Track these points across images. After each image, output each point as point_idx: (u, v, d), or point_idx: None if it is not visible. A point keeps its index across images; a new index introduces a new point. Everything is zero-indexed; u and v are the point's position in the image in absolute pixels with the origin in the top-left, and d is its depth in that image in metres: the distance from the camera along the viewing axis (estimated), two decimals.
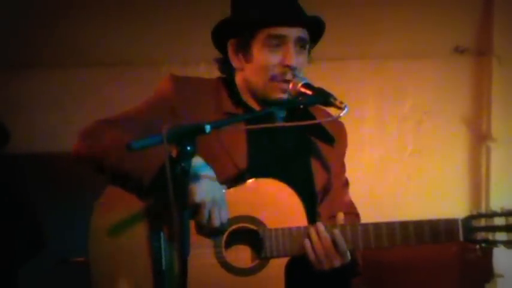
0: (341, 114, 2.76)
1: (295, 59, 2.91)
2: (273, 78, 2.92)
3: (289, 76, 2.90)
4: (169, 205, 2.53)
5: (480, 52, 4.61)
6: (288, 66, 2.90)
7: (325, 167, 3.04)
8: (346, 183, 3.15)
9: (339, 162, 3.13)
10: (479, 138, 4.62)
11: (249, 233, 2.85)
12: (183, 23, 4.54)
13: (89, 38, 4.55)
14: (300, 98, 2.87)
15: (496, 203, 4.40)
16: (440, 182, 4.54)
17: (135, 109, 2.96)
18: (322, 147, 3.06)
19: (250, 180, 2.87)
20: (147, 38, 4.56)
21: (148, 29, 4.56)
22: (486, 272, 4.25)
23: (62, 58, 4.55)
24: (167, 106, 2.90)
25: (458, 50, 4.60)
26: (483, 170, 4.60)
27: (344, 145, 3.16)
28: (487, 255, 4.24)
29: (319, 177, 3.01)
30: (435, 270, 4.12)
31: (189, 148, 2.42)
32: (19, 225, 3.85)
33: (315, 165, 3.02)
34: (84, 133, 2.89)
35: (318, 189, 3.01)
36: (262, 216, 2.84)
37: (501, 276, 4.41)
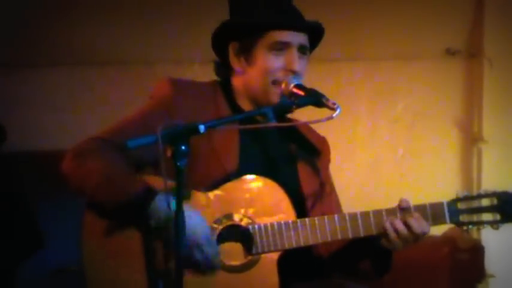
0: (333, 115, 2.76)
1: (299, 64, 2.93)
2: (274, 82, 2.93)
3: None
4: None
5: (471, 54, 4.63)
6: (291, 71, 2.92)
7: (314, 174, 3.06)
8: (335, 195, 3.16)
9: (326, 174, 3.14)
10: (471, 139, 4.64)
11: (239, 230, 2.86)
12: (177, 23, 4.55)
13: (83, 37, 4.56)
14: (292, 99, 2.89)
15: None
16: (432, 183, 4.55)
17: (131, 120, 2.91)
18: (308, 158, 3.08)
19: (235, 179, 2.89)
20: (142, 37, 4.57)
21: (143, 28, 4.57)
22: (478, 272, 4.27)
23: (56, 57, 4.56)
24: (164, 112, 2.88)
25: (450, 52, 4.62)
26: (474, 171, 4.62)
27: (327, 159, 3.17)
28: (479, 255, 4.27)
29: (306, 183, 3.03)
30: (426, 270, 4.13)
31: (183, 148, 2.44)
32: (16, 225, 3.86)
33: (302, 172, 3.04)
34: (74, 152, 2.84)
35: (308, 194, 3.02)
36: (250, 212, 2.86)
37: (493, 276, 4.44)
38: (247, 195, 2.88)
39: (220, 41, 3.02)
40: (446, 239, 4.11)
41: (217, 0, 3.10)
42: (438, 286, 4.18)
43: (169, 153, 2.44)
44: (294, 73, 2.92)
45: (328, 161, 3.18)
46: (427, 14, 4.58)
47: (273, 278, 2.84)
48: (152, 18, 4.58)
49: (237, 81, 3.03)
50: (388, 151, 4.64)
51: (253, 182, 2.89)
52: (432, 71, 4.63)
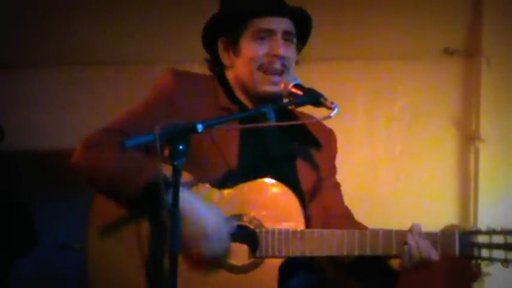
0: (331, 115, 2.79)
1: (283, 48, 2.95)
2: (260, 67, 2.96)
3: (277, 65, 2.95)
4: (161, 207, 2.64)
5: (469, 53, 4.64)
6: (275, 55, 2.95)
7: (312, 169, 3.08)
8: (337, 185, 3.18)
9: (328, 165, 3.15)
10: (468, 138, 4.64)
11: (247, 232, 2.87)
12: (176, 22, 4.56)
13: (83, 37, 4.57)
14: (291, 98, 2.91)
15: (485, 202, 4.46)
16: (429, 182, 4.56)
17: (137, 110, 2.96)
18: (310, 151, 3.10)
19: (251, 180, 2.90)
20: (141, 36, 4.58)
21: (142, 28, 4.58)
22: (474, 270, 4.27)
23: (55, 57, 4.57)
24: (167, 102, 2.93)
25: (448, 51, 4.63)
26: (472, 170, 4.63)
27: (334, 150, 3.19)
28: None
29: (305, 178, 3.04)
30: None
31: (181, 147, 2.45)
32: (13, 224, 3.87)
33: (301, 167, 3.05)
34: (86, 144, 2.87)
35: (305, 190, 3.04)
36: (260, 215, 2.88)
37: (488, 274, 4.44)
38: (260, 198, 2.89)
39: (210, 40, 3.07)
40: None
41: (217, 0, 3.12)
42: (434, 284, 4.18)
43: (167, 152, 2.45)
44: (279, 58, 2.94)
45: (334, 152, 3.20)
46: (425, 14, 4.59)
47: (272, 283, 2.84)
48: (151, 18, 4.59)
49: (230, 76, 3.07)
50: (386, 150, 4.64)
51: (268, 185, 2.90)
52: (430, 70, 4.64)
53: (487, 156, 4.58)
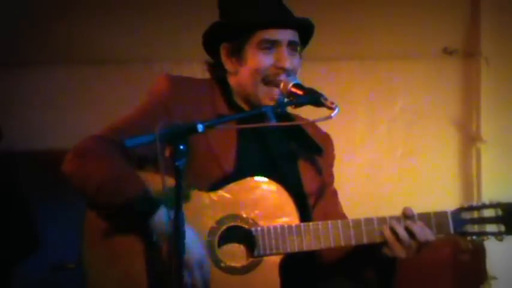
0: (332, 115, 2.78)
1: (289, 61, 2.94)
2: (265, 79, 2.95)
3: (282, 77, 2.93)
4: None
5: (468, 53, 4.64)
6: (281, 68, 2.94)
7: (316, 172, 3.07)
8: (336, 193, 3.18)
9: (328, 172, 3.15)
10: (469, 139, 4.64)
11: (242, 232, 2.87)
12: (176, 21, 4.55)
13: (83, 36, 4.56)
14: (291, 98, 2.91)
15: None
16: (431, 183, 4.56)
17: (131, 117, 2.93)
18: (310, 156, 3.09)
19: (241, 180, 2.89)
20: (140, 35, 4.57)
21: (142, 27, 4.57)
22: (480, 273, 4.27)
23: (54, 56, 4.55)
24: (162, 109, 2.90)
25: (447, 51, 4.63)
26: (473, 171, 4.62)
27: (331, 156, 3.18)
28: (480, 257, 4.26)
29: (308, 181, 3.03)
30: (428, 272, 4.13)
31: (182, 147, 2.45)
32: (14, 225, 3.85)
33: (304, 169, 3.05)
34: (76, 151, 2.85)
35: (309, 192, 3.03)
36: (254, 214, 2.87)
37: (495, 278, 4.44)
38: (251, 197, 2.89)
39: (211, 43, 3.04)
40: (447, 240, 4.11)
41: (217, 4, 3.12)
42: (440, 287, 4.18)
43: (167, 152, 2.45)
44: (285, 70, 2.94)
45: (333, 157, 3.19)
46: (424, 14, 4.59)
47: (275, 281, 2.84)
48: (151, 16, 4.58)
49: (231, 81, 3.05)
50: (387, 151, 4.64)
51: (258, 183, 2.90)
52: (430, 70, 4.64)
53: (488, 157, 4.58)
